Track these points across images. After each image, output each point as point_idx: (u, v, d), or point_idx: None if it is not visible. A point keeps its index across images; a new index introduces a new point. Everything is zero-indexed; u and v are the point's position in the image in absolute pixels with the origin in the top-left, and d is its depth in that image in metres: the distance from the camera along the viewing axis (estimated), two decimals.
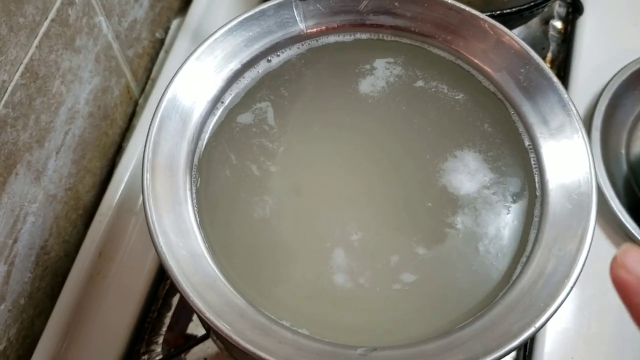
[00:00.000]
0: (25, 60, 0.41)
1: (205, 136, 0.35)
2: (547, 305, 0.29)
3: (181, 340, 0.50)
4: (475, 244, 0.32)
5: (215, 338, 0.41)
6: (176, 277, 0.28)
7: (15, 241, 0.44)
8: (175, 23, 0.63)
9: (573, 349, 0.47)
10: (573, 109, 0.34)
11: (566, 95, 0.34)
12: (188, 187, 0.33)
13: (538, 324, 0.28)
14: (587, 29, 0.61)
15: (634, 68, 0.53)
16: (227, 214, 0.33)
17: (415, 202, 0.33)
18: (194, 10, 0.60)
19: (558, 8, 0.62)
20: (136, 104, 0.59)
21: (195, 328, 0.50)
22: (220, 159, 0.34)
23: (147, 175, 0.31)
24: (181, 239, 0.31)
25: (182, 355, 0.48)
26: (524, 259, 0.32)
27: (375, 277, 0.31)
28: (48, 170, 0.47)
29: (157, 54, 0.62)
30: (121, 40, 0.54)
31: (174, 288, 0.51)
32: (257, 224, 0.33)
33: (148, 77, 0.61)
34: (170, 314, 0.50)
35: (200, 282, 0.29)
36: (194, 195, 0.33)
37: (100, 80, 0.52)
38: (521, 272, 0.31)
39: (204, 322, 0.40)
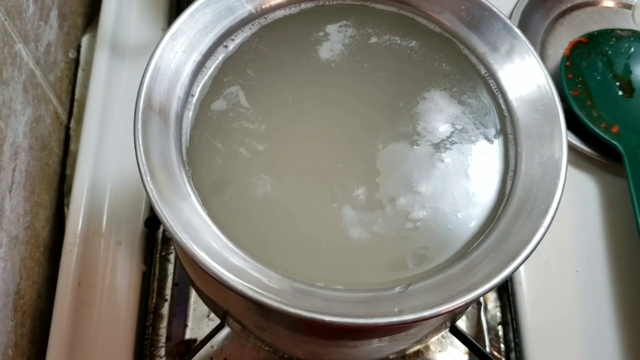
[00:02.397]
0: None
1: (187, 131, 0.35)
2: (548, 206, 0.32)
3: (183, 347, 0.49)
4: (464, 171, 0.35)
5: (233, 321, 0.41)
6: (217, 271, 0.29)
7: None
8: (84, 40, 0.61)
9: (545, 252, 0.52)
10: (518, 31, 0.37)
11: (509, 21, 0.37)
12: (187, 182, 0.33)
13: (545, 223, 0.31)
14: None
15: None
16: (232, 199, 0.33)
17: (401, 147, 0.35)
18: (104, 24, 0.59)
19: None
20: (67, 129, 0.57)
21: (192, 332, 0.50)
22: (208, 150, 0.35)
23: (148, 179, 0.31)
24: (200, 233, 0.31)
25: None
26: (511, 174, 0.35)
27: (387, 223, 0.33)
28: (6, 211, 0.45)
29: (75, 74, 0.60)
30: (41, 66, 0.52)
31: (162, 298, 0.51)
32: (264, 202, 0.33)
33: (72, 100, 0.58)
34: (164, 325, 0.50)
35: (234, 268, 0.30)
36: (195, 190, 0.33)
37: (32, 110, 0.50)
38: (512, 186, 0.34)
39: (220, 312, 0.40)
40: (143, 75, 0.33)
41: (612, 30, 0.59)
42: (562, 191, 0.32)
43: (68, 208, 0.52)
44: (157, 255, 0.52)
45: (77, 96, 0.58)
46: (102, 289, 0.48)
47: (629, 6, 0.62)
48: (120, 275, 0.49)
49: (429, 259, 0.32)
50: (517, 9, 0.57)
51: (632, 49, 0.58)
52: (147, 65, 0.34)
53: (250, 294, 0.29)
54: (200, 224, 0.31)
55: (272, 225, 0.33)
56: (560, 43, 0.58)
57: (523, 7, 0.58)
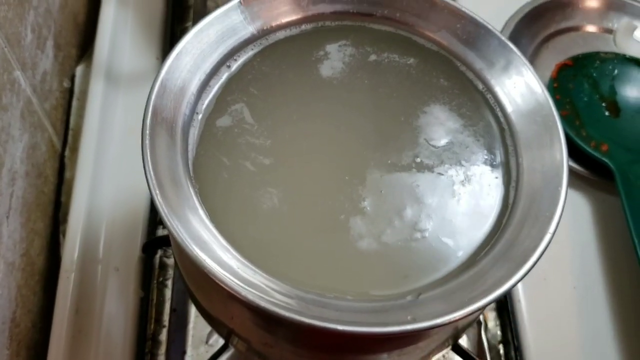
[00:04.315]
0: None
1: (193, 147, 0.35)
2: (552, 213, 0.32)
3: None
4: (467, 182, 0.35)
5: (238, 340, 0.40)
6: (230, 282, 0.29)
7: None
8: (79, 70, 0.61)
9: (542, 269, 0.52)
10: (513, 47, 0.38)
11: (504, 38, 0.38)
12: (195, 196, 0.33)
13: (551, 229, 0.32)
14: None
15: (516, 19, 0.60)
16: (239, 213, 0.33)
17: (405, 159, 0.36)
18: (99, 53, 0.59)
19: None
20: (62, 157, 0.57)
21: (191, 358, 0.49)
22: (214, 164, 0.35)
23: (157, 192, 0.31)
24: (209, 245, 0.31)
25: None
26: (513, 184, 0.35)
27: (395, 233, 0.33)
28: (3, 237, 0.44)
29: (69, 103, 0.60)
30: (38, 93, 0.52)
31: (160, 324, 0.50)
32: (271, 214, 0.33)
33: (67, 128, 0.58)
34: (163, 351, 0.49)
35: (244, 280, 0.30)
36: (202, 203, 0.33)
37: (29, 137, 0.50)
38: (515, 195, 0.35)
39: (224, 331, 0.39)
40: (150, 93, 0.34)
41: (596, 53, 0.61)
42: (565, 198, 0.33)
43: (64, 236, 0.52)
44: (155, 281, 0.51)
45: (71, 125, 0.58)
46: (100, 316, 0.47)
47: (610, 31, 0.64)
48: (117, 302, 0.48)
49: (438, 268, 0.33)
50: (504, 34, 0.59)
51: (616, 71, 0.60)
52: (153, 84, 0.34)
53: (264, 304, 0.29)
54: (209, 237, 0.31)
55: (280, 238, 0.33)
56: (547, 66, 0.60)
57: (509, 32, 0.60)
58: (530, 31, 0.60)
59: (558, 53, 0.62)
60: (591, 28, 0.64)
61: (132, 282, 0.49)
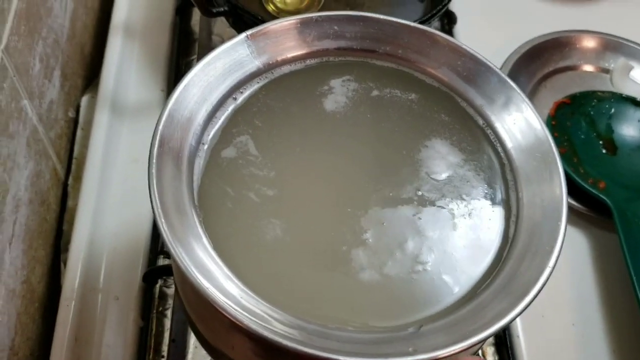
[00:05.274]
0: None
1: (198, 177, 0.36)
2: (552, 247, 0.33)
3: None
4: (468, 216, 0.36)
5: None
6: (233, 311, 0.29)
7: None
8: (84, 100, 0.62)
9: (541, 305, 0.52)
10: (513, 84, 0.39)
11: (504, 75, 0.39)
12: (199, 225, 0.33)
13: (551, 263, 0.32)
14: (461, 35, 0.69)
15: (515, 57, 0.62)
16: (243, 242, 0.34)
17: (407, 192, 0.36)
18: (105, 84, 0.60)
19: (435, 22, 0.70)
20: (64, 185, 0.58)
21: None
22: (219, 194, 0.35)
23: (162, 220, 0.31)
24: (213, 274, 0.31)
25: None
26: (513, 218, 0.36)
27: (396, 266, 0.34)
28: (5, 263, 0.44)
29: (74, 133, 0.61)
30: (44, 122, 0.53)
31: (159, 355, 0.50)
32: (274, 245, 0.34)
33: (70, 157, 0.59)
34: None
35: (246, 309, 0.30)
36: (206, 232, 0.33)
37: (34, 164, 0.50)
38: (516, 230, 0.35)
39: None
40: (157, 122, 0.34)
41: (594, 92, 0.62)
42: (565, 232, 0.33)
43: (64, 264, 0.52)
44: (154, 311, 0.51)
45: (75, 154, 0.59)
46: (99, 345, 0.47)
47: (607, 70, 0.65)
48: (117, 331, 0.48)
49: (439, 300, 0.33)
50: (503, 72, 0.60)
51: (613, 110, 0.61)
52: (161, 113, 0.35)
53: (266, 333, 0.29)
54: (212, 265, 0.32)
55: (282, 268, 0.33)
56: (545, 104, 0.61)
57: (508, 70, 0.61)
58: (528, 70, 0.62)
59: (556, 91, 0.63)
60: (588, 67, 0.65)
61: (131, 312, 0.49)
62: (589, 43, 0.65)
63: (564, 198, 0.34)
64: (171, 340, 0.50)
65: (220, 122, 0.38)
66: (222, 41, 0.69)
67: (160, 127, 0.34)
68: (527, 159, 0.37)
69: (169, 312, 0.51)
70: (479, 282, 0.34)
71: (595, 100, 0.61)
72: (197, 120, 0.37)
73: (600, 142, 0.59)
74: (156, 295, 0.52)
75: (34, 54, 0.51)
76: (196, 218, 0.33)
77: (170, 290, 0.52)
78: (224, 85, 0.38)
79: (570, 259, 0.56)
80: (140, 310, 0.50)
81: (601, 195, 0.55)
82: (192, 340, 0.50)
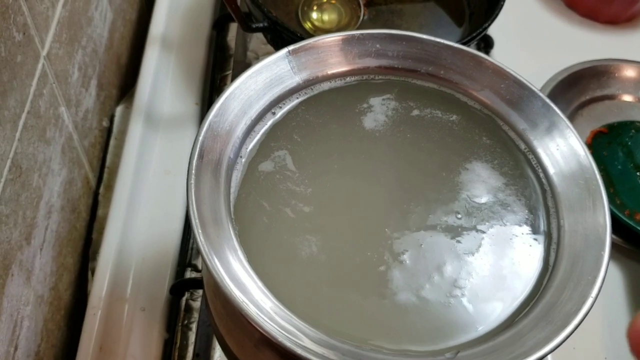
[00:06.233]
0: (11, 154, 0.40)
1: (235, 190, 0.35)
2: (595, 277, 0.32)
3: None
4: (508, 241, 0.35)
5: None
6: (267, 326, 0.29)
7: (15, 349, 0.41)
8: (118, 110, 0.63)
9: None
10: (557, 110, 0.38)
11: (548, 100, 0.39)
12: (235, 238, 0.33)
13: (593, 293, 0.31)
14: (498, 60, 0.68)
15: (552, 84, 0.61)
16: (277, 257, 0.33)
17: (447, 216, 0.36)
18: (140, 95, 0.61)
19: (472, 46, 0.69)
20: (95, 194, 0.58)
21: None
22: (255, 208, 0.35)
23: (199, 231, 0.31)
24: (248, 287, 0.31)
25: None
26: (554, 246, 0.35)
27: (434, 289, 0.33)
28: (35, 269, 0.44)
29: (107, 142, 0.61)
30: (79, 130, 0.53)
31: None
32: (309, 262, 0.33)
33: (102, 167, 0.59)
34: None
35: (280, 325, 0.30)
36: (242, 246, 0.33)
37: (67, 172, 0.50)
38: (556, 257, 0.34)
39: None
40: (198, 134, 0.34)
41: (632, 122, 0.61)
42: (608, 263, 0.32)
43: (92, 273, 0.52)
44: (180, 324, 0.51)
45: (107, 163, 0.59)
46: (124, 355, 0.47)
47: None
48: (142, 342, 0.48)
49: (477, 326, 0.32)
50: None
51: None
52: (201, 125, 0.35)
53: (299, 350, 0.28)
54: (246, 279, 0.31)
55: (317, 285, 0.33)
56: (582, 132, 0.60)
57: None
58: (565, 97, 0.61)
59: (593, 120, 0.62)
60: (627, 97, 0.64)
61: (157, 323, 0.49)
62: (628, 72, 0.64)
63: (608, 227, 0.34)
64: (195, 354, 0.49)
65: (258, 136, 0.38)
66: (257, 57, 0.70)
67: (201, 137, 0.34)
68: (570, 186, 0.36)
69: (194, 326, 0.51)
70: (518, 309, 0.33)
71: (633, 131, 0.60)
72: (236, 133, 0.37)
73: (638, 174, 0.58)
74: (182, 308, 0.51)
75: (74, 62, 0.52)
76: (232, 231, 0.33)
77: (196, 304, 0.52)
78: (264, 100, 0.38)
79: (604, 291, 0.54)
80: (165, 322, 0.49)
81: (638, 227, 0.54)
82: (217, 355, 0.50)
